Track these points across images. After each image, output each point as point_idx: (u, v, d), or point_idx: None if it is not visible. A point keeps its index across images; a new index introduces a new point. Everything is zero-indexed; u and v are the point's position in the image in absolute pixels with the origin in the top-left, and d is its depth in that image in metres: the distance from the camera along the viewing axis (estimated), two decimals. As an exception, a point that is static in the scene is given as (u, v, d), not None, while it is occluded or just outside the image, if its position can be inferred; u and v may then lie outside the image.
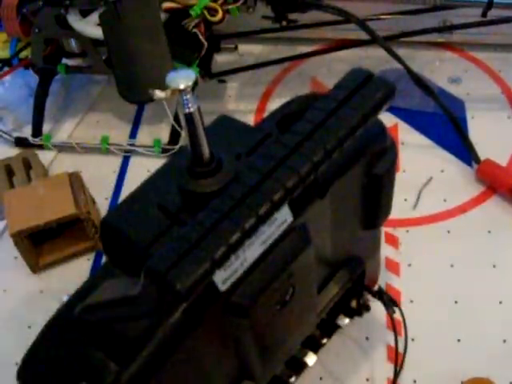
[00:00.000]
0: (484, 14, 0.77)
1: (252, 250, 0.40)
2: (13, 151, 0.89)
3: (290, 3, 0.76)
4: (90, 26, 0.76)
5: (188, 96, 0.36)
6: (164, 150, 0.86)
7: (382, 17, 0.82)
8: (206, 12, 0.72)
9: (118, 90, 0.66)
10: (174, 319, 0.36)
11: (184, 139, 0.84)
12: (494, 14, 0.78)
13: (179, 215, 0.42)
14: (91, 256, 0.78)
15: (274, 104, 0.91)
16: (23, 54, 0.87)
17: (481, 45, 0.94)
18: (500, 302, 0.68)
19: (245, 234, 0.34)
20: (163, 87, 0.37)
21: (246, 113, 0.90)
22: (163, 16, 0.73)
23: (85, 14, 0.78)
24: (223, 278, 0.39)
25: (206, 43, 0.74)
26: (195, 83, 0.37)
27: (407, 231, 0.75)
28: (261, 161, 0.37)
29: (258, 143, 0.45)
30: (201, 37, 0.73)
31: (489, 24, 0.77)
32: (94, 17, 0.76)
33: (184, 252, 0.34)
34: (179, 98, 0.37)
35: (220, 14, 0.72)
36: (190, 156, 0.41)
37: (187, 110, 0.37)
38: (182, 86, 0.36)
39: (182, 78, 0.36)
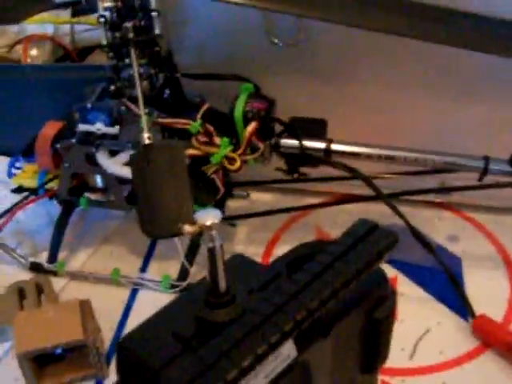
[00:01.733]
0: (480, 179, 0.83)
1: (256, 382, 0.43)
2: (27, 275, 0.92)
3: (303, 158, 0.82)
4: (117, 166, 0.82)
5: (213, 232, 0.41)
6: (172, 286, 0.88)
7: (387, 176, 0.88)
8: (225, 160, 0.79)
9: (141, 226, 0.70)
10: None
11: (192, 276, 0.88)
12: (489, 179, 0.84)
13: (192, 342, 0.45)
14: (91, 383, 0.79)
15: (280, 250, 0.95)
16: (49, 185, 0.93)
17: (477, 206, 1.00)
18: None
19: (256, 359, 0.37)
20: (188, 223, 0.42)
21: (254, 256, 0.93)
22: (186, 161, 0.79)
23: (113, 153, 0.85)
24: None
25: (222, 189, 0.80)
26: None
27: (403, 381, 0.76)
28: (273, 295, 0.41)
29: (269, 281, 0.49)
30: (218, 182, 0.79)
31: (484, 188, 0.83)
32: (122, 157, 0.83)
33: (196, 375, 0.37)
34: (205, 233, 0.41)
35: (238, 164, 0.78)
36: (208, 287, 0.44)
37: (211, 245, 0.42)
38: (208, 223, 0.41)
39: (210, 216, 0.41)
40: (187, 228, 0.41)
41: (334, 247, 0.43)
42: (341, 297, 0.42)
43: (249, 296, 0.47)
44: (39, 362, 0.77)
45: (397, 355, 0.77)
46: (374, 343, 0.56)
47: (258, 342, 0.38)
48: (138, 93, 0.75)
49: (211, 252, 0.42)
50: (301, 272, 0.42)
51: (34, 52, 1.11)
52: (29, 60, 1.09)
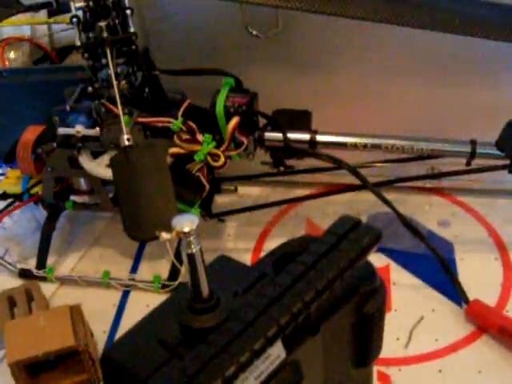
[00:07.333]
0: (468, 163, 0.82)
1: (247, 385, 0.42)
2: (16, 282, 0.91)
3: (287, 151, 0.81)
4: (100, 167, 0.81)
5: (191, 238, 0.40)
6: (163, 286, 0.88)
7: (374, 164, 0.87)
8: (209, 157, 0.78)
9: (124, 229, 0.69)
10: None
11: (183, 275, 0.87)
12: (477, 162, 0.82)
13: (178, 349, 0.44)
14: (86, 389, 0.78)
15: (270, 244, 0.95)
16: (34, 190, 0.91)
17: (467, 190, 0.99)
18: None
19: (240, 367, 0.36)
20: (168, 228, 0.41)
21: (244, 252, 0.94)
22: (169, 160, 0.78)
23: (96, 155, 0.83)
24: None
25: (207, 186, 0.79)
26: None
27: (399, 370, 0.75)
28: (256, 299, 0.40)
29: (254, 282, 0.48)
30: (203, 180, 0.78)
31: (472, 172, 0.82)
32: (105, 158, 0.82)
33: (182, 384, 0.36)
34: (183, 239, 0.40)
35: (222, 160, 0.77)
36: (191, 292, 0.44)
37: (190, 251, 0.41)
38: (186, 229, 0.40)
39: (187, 222, 0.40)
40: (164, 235, 0.40)
41: (316, 246, 0.42)
42: (326, 297, 0.41)
43: (234, 299, 0.46)
44: (32, 369, 0.76)
45: (392, 345, 0.77)
46: (366, 337, 0.55)
47: (242, 350, 0.37)
48: (116, 93, 0.74)
49: (190, 258, 0.41)
50: (284, 274, 0.42)
51: (11, 55, 1.09)
52: (7, 63, 1.07)
